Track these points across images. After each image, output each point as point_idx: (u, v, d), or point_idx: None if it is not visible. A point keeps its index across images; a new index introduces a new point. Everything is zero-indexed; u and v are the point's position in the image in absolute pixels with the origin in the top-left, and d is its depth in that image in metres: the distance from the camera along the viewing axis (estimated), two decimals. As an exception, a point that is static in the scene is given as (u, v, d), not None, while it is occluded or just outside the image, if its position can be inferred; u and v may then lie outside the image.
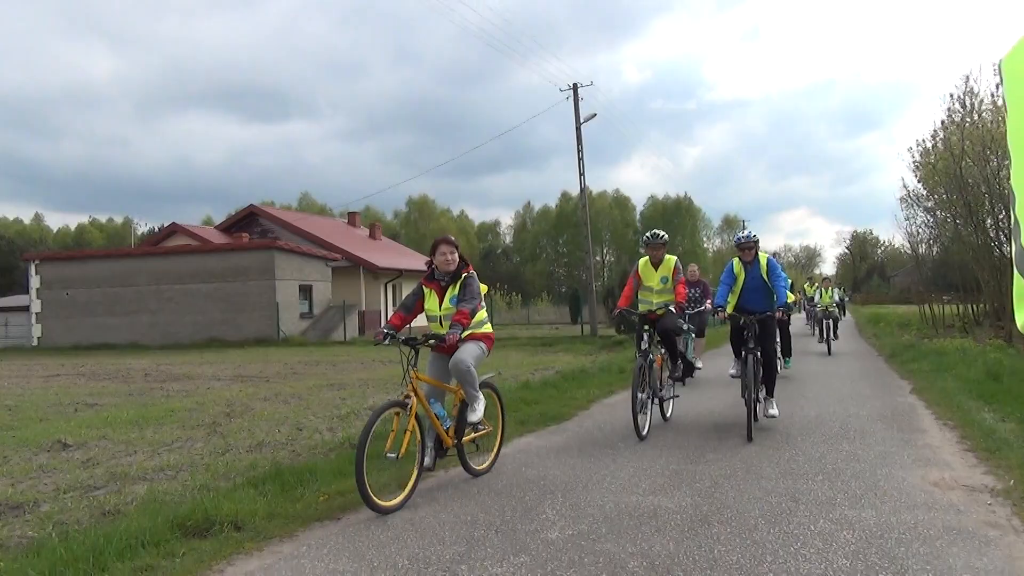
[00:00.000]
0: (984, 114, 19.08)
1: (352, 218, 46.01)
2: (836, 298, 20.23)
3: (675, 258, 8.05)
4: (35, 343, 31.33)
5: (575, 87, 26.44)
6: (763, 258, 7.65)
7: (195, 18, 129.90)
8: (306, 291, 31.62)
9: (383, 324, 5.45)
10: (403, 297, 5.97)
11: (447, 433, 5.47)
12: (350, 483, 5.09)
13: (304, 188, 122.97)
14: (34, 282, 31.66)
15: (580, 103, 26.48)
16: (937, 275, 34.42)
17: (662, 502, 4.84)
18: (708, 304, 11.91)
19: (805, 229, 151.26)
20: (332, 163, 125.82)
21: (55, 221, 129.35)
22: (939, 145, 21.55)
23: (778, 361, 9.42)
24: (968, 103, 19.44)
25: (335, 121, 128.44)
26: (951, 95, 23.21)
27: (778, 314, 7.35)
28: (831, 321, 17.91)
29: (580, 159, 26.94)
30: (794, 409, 8.67)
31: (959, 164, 17.90)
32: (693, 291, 11.98)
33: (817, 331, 18.74)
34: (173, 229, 37.51)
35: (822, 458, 6.03)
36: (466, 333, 5.48)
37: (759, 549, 3.88)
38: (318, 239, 35.80)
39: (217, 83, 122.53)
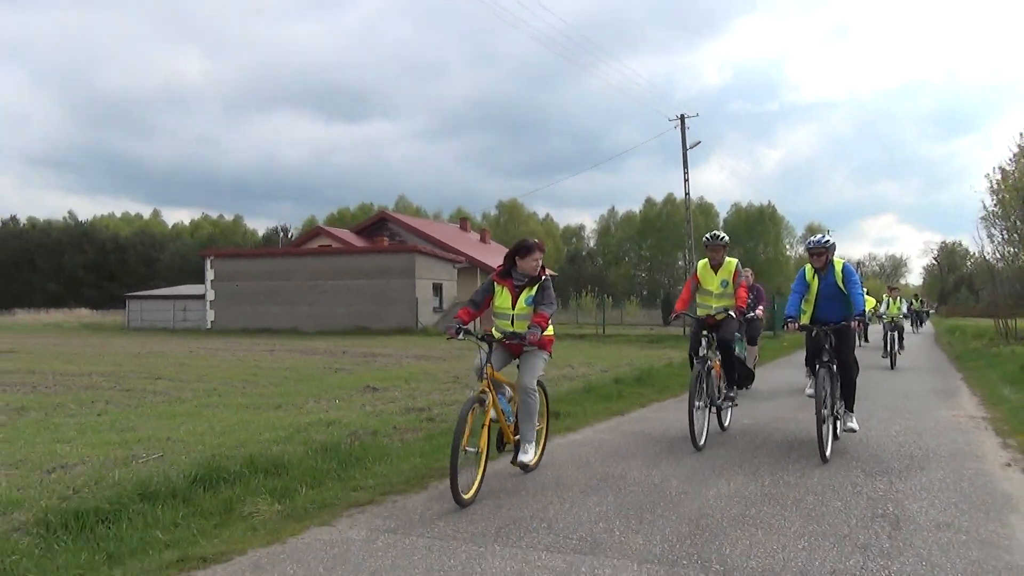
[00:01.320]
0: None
1: (463, 223, 50.77)
2: (904, 309, 19.53)
3: (736, 261, 7.70)
4: (209, 326, 37.06)
5: (682, 118, 30.31)
6: (838, 264, 7.15)
7: (282, 21, 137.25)
8: (438, 288, 36.45)
9: (454, 320, 5.47)
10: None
11: (509, 428, 5.55)
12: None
13: (395, 188, 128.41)
14: (209, 275, 37.41)
15: (686, 131, 30.26)
16: (1017, 291, 36.60)
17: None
18: (759, 311, 11.51)
19: (892, 236, 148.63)
20: (410, 162, 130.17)
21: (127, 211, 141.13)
22: (1016, 171, 24.53)
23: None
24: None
25: (414, 121, 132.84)
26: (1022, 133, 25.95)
27: (853, 324, 6.92)
28: (896, 333, 17.01)
29: (686, 179, 30.79)
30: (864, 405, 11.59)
31: (1022, 200, 21.00)
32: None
33: (882, 344, 17.15)
34: (318, 231, 43.06)
35: (890, 419, 9.87)
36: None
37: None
38: (439, 242, 40.58)
39: (302, 84, 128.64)
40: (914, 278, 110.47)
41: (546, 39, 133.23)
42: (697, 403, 6.76)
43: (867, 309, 7.86)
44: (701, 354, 7.10)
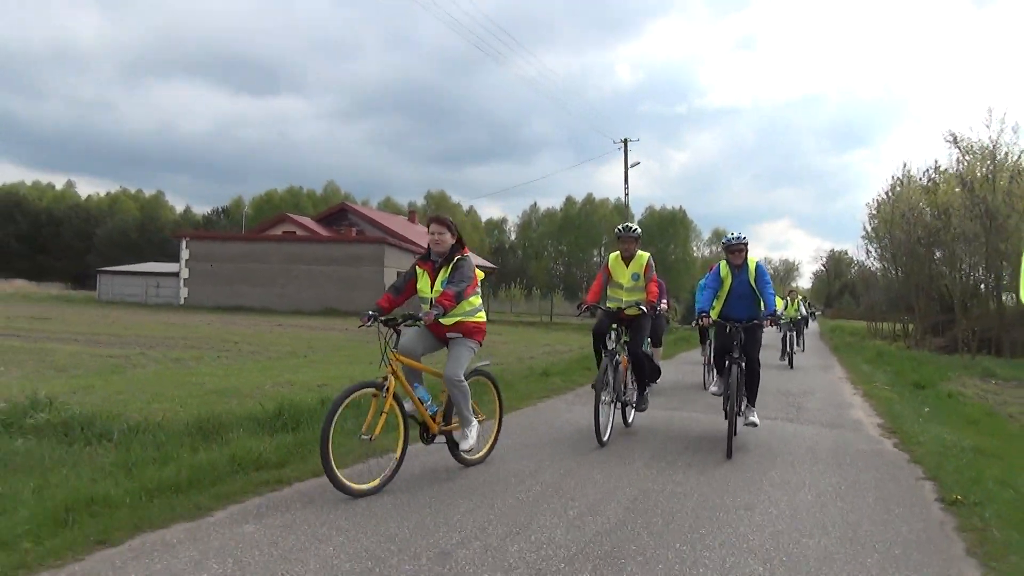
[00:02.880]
0: (913, 192, 28.33)
1: (412, 216, 54.83)
2: (802, 310, 20.10)
3: (648, 255, 7.44)
4: (182, 302, 39.90)
5: (625, 141, 35.49)
6: (752, 263, 7.12)
7: None
8: (399, 276, 40.53)
9: (371, 306, 5.19)
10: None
11: (432, 419, 5.24)
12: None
13: (304, 167, 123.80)
14: (184, 254, 40.21)
15: (628, 153, 35.47)
16: (890, 299, 43.91)
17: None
18: (664, 305, 10.94)
19: (786, 241, 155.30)
20: (319, 141, 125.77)
21: (38, 180, 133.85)
22: (885, 206, 30.89)
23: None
24: (901, 183, 28.84)
25: (325, 100, 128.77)
26: (893, 176, 32.48)
27: (765, 323, 6.91)
28: (794, 333, 17.40)
29: (626, 193, 36.03)
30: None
31: (889, 229, 27.23)
32: None
33: (780, 345, 17.07)
34: (283, 218, 46.26)
35: (786, 382, 15.10)
36: (454, 320, 5.24)
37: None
38: (395, 233, 44.53)
39: (206, 52, 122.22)
40: (804, 282, 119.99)
41: (463, 27, 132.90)
42: (604, 398, 6.59)
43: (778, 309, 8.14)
44: (610, 347, 6.87)
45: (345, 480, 4.54)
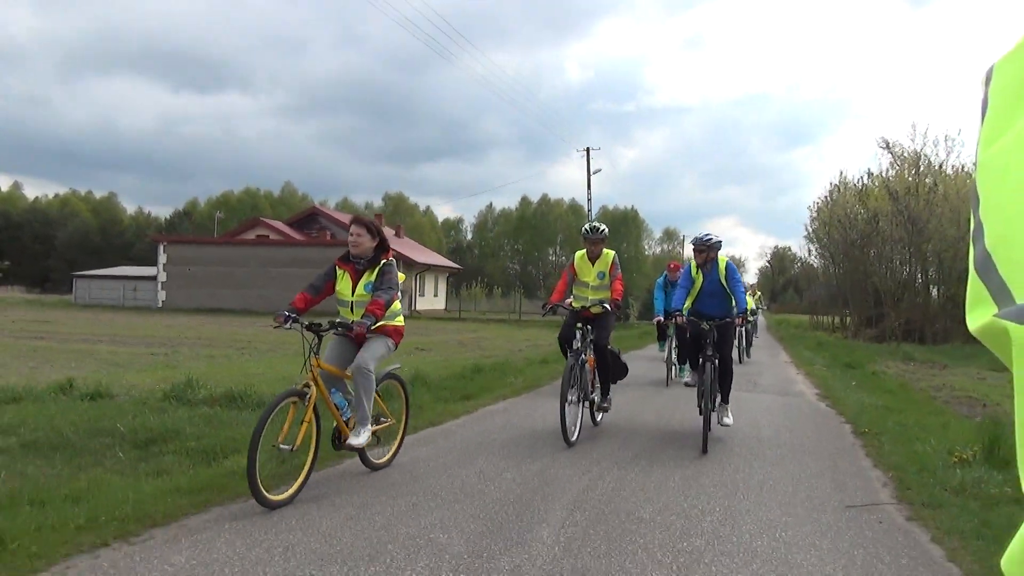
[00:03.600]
0: (848, 198, 31.51)
1: (379, 219, 56.55)
2: (754, 305, 20.59)
3: (614, 253, 7.46)
4: (160, 305, 41.13)
5: (588, 150, 38.11)
6: (722, 262, 7.23)
7: None
8: (374, 278, 42.52)
9: (286, 306, 5.02)
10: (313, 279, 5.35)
11: (347, 425, 5.13)
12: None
13: (250, 165, 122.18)
14: (162, 258, 41.44)
15: (591, 161, 38.04)
16: (830, 294, 47.50)
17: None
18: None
19: (733, 238, 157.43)
20: (267, 139, 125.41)
21: None
22: (824, 210, 34.09)
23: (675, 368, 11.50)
24: (838, 190, 32.05)
25: (273, 96, 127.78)
26: (831, 182, 35.78)
27: (737, 320, 7.03)
28: (750, 327, 17.81)
29: (589, 198, 38.62)
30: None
31: (827, 230, 30.35)
32: None
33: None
34: (256, 222, 47.72)
35: (745, 371, 17.74)
36: (377, 326, 5.02)
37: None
38: (366, 237, 46.40)
39: (146, 47, 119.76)
40: (750, 277, 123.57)
41: (415, 26, 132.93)
42: (570, 397, 6.56)
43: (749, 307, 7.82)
44: (575, 347, 6.87)
45: (266, 493, 4.33)
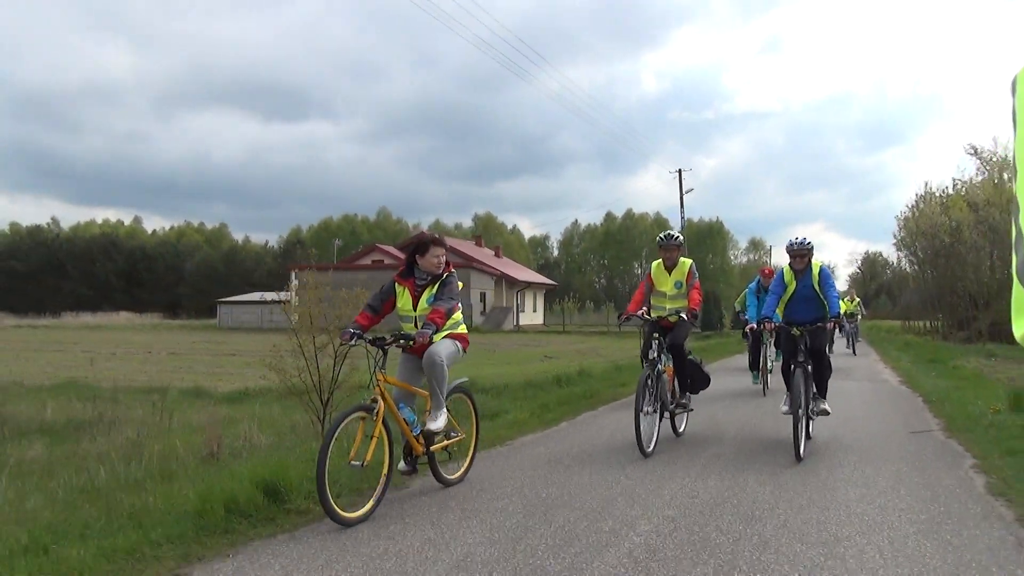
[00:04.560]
0: (935, 206, 33.19)
1: (478, 240, 60.53)
2: (854, 309, 22.34)
3: (691, 262, 7.43)
4: (292, 326, 45.84)
5: (680, 172, 40.87)
6: (816, 267, 7.14)
7: (217, 17, 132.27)
8: (483, 296, 46.23)
9: (351, 324, 5.15)
10: (374, 295, 5.55)
11: (417, 440, 5.11)
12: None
13: (334, 191, 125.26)
14: (294, 284, 46.21)
15: (683, 180, 40.76)
16: (922, 300, 48.48)
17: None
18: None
19: (820, 244, 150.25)
20: (349, 164, 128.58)
21: (79, 214, 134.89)
22: (911, 221, 35.78)
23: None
24: (924, 200, 33.79)
25: (353, 123, 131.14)
26: (916, 193, 37.22)
27: (829, 325, 7.02)
28: (855, 325, 21.88)
29: (682, 216, 41.31)
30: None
31: (915, 239, 32.20)
32: None
33: (846, 337, 22.26)
34: (373, 248, 52.31)
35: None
36: (440, 336, 5.16)
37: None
38: (470, 258, 50.19)
39: (237, 81, 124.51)
40: (840, 285, 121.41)
41: (486, 44, 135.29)
42: (645, 408, 6.54)
43: (842, 312, 7.99)
44: (651, 357, 6.86)
45: (340, 510, 4.35)
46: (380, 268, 46.98)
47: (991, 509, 4.83)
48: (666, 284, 7.41)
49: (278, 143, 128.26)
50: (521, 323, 50.15)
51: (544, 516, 4.69)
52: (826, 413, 7.19)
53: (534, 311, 57.32)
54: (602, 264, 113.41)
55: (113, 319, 60.72)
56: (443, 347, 5.20)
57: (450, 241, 55.87)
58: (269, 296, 51.52)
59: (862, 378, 14.29)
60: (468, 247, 56.34)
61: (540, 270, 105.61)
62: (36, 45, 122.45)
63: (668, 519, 4.62)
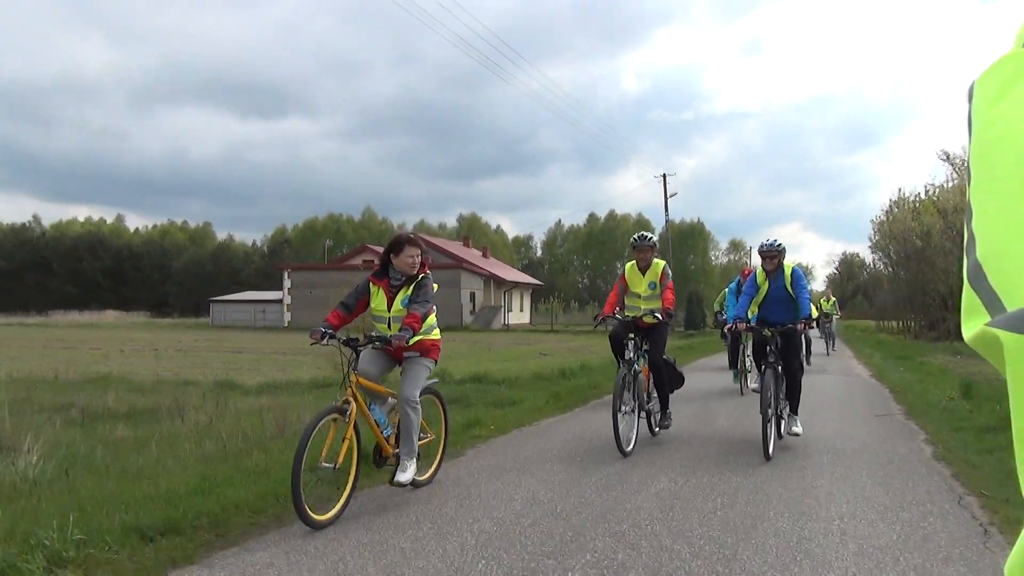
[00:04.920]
0: (907, 212, 34.77)
1: (466, 241, 61.66)
2: (829, 309, 22.71)
3: (664, 263, 7.49)
4: (286, 324, 46.77)
5: (664, 176, 42.25)
6: (788, 268, 7.25)
7: (195, 12, 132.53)
8: (472, 296, 47.39)
9: (321, 323, 5.06)
10: (346, 295, 5.43)
11: (388, 441, 5.11)
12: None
13: (313, 188, 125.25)
14: (287, 283, 47.18)
15: (667, 185, 42.13)
16: (896, 300, 50.25)
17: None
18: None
19: (798, 243, 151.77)
20: (329, 162, 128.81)
21: (53, 211, 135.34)
22: (884, 225, 37.40)
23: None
24: (897, 207, 35.44)
25: (334, 120, 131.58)
26: (890, 199, 38.79)
27: (799, 326, 7.04)
28: (830, 325, 22.33)
29: (667, 219, 42.70)
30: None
31: (889, 243, 33.78)
32: None
33: (824, 337, 22.50)
34: (363, 248, 53.22)
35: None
36: (415, 340, 5.07)
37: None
38: (457, 258, 51.34)
39: (215, 78, 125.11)
40: (818, 285, 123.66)
41: (466, 43, 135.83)
42: (623, 408, 6.64)
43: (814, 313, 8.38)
44: (627, 357, 6.94)
45: (312, 514, 4.36)
46: (372, 268, 48.02)
47: (933, 468, 6.12)
48: (640, 285, 7.43)
49: (257, 140, 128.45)
50: (509, 322, 51.35)
51: (583, 473, 5.94)
52: (796, 435, 7.11)
53: (521, 311, 58.53)
54: (585, 264, 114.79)
55: (101, 317, 61.14)
56: (416, 382, 5.17)
57: (438, 241, 56.97)
58: (263, 295, 52.48)
59: (836, 372, 15.65)
60: (456, 247, 57.46)
61: (524, 270, 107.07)
62: (10, 39, 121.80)
63: (681, 473, 5.97)
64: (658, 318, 7.16)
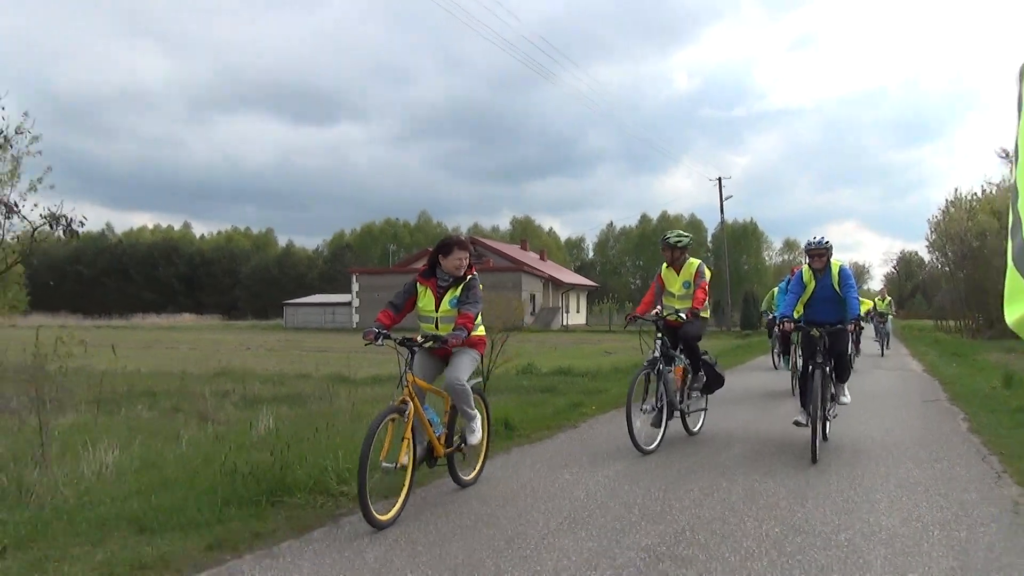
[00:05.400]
0: (962, 212, 35.15)
1: (524, 244, 63.35)
2: (884, 309, 22.58)
3: (699, 262, 7.42)
4: (354, 326, 49.07)
5: (720, 180, 43.25)
6: (835, 266, 7.08)
7: (246, 21, 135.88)
8: (532, 297, 49.03)
9: (374, 323, 5.19)
10: (395, 295, 5.58)
11: (439, 441, 5.22)
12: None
13: (363, 192, 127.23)
14: (355, 286, 49.52)
15: (722, 188, 43.11)
16: (954, 299, 50.14)
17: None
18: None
19: (854, 243, 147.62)
20: (378, 166, 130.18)
21: (118, 219, 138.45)
22: (941, 225, 37.78)
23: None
24: (953, 207, 35.85)
25: (383, 125, 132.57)
26: (946, 199, 39.03)
27: (849, 327, 6.91)
28: (885, 323, 21.79)
29: (722, 221, 43.69)
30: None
31: (946, 242, 34.29)
32: None
33: (877, 336, 21.83)
34: (425, 252, 55.28)
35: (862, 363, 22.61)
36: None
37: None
38: (517, 261, 52.99)
39: (267, 85, 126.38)
40: (875, 284, 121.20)
41: (513, 46, 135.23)
42: (643, 407, 6.67)
43: (862, 313, 8.15)
44: (652, 357, 6.93)
45: (377, 515, 4.44)
46: (435, 272, 50.15)
47: (967, 438, 7.52)
48: (675, 285, 7.47)
49: (309, 146, 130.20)
50: (567, 323, 52.80)
51: (669, 445, 7.43)
52: (844, 404, 7.40)
53: (577, 312, 59.90)
54: (638, 265, 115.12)
55: (179, 320, 64.56)
56: (462, 369, 5.27)
57: (497, 245, 58.74)
58: (332, 298, 55.03)
59: (891, 368, 16.81)
60: (515, 251, 59.22)
61: (577, 271, 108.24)
62: (71, 52, 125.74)
63: (740, 443, 7.37)
64: (683, 318, 7.09)
